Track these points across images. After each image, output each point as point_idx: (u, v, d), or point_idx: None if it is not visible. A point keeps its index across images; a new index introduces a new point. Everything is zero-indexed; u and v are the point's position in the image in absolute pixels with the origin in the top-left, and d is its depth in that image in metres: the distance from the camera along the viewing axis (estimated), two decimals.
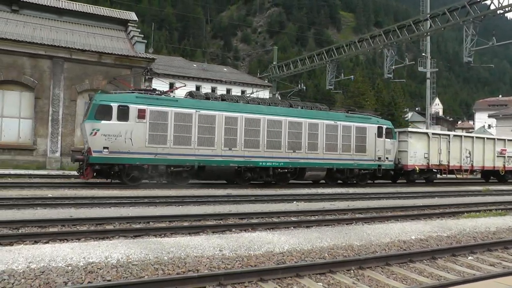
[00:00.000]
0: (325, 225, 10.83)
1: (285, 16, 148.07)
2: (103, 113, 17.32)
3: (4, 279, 5.63)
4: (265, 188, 20.03)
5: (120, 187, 17.28)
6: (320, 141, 21.86)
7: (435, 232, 10.06)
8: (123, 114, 17.52)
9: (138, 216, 10.58)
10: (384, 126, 24.15)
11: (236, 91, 52.27)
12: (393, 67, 30.51)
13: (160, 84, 42.36)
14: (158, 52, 64.75)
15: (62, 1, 33.67)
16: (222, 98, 20.80)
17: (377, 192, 19.80)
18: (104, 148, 17.12)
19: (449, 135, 28.23)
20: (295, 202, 15.38)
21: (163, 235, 8.90)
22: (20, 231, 8.81)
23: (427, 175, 26.73)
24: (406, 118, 74.22)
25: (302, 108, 22.51)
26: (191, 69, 54.85)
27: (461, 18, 25.51)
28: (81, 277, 5.88)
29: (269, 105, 21.57)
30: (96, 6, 37.71)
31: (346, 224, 11.20)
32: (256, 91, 41.05)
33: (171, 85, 47.26)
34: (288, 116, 21.12)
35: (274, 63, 39.71)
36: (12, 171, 21.69)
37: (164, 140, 18.17)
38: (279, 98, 38.94)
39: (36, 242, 7.87)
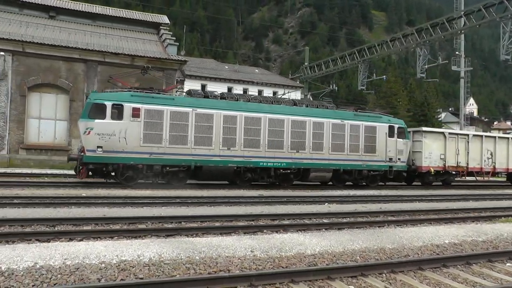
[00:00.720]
0: (356, 228, 10.70)
1: (316, 16, 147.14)
2: (97, 111, 17.11)
3: (43, 274, 5.81)
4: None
5: (153, 187, 17.51)
6: (326, 140, 21.07)
7: (470, 237, 9.74)
8: (117, 113, 17.27)
9: (170, 216, 10.69)
10: (396, 125, 23.12)
11: (267, 92, 52.33)
12: (426, 66, 29.90)
13: (192, 86, 42.90)
14: (190, 55, 65.46)
15: (96, 6, 34.80)
16: (222, 96, 20.34)
17: (410, 195, 19.42)
18: (98, 147, 16.91)
19: (468, 135, 26.74)
20: (326, 203, 15.26)
21: (194, 235, 8.97)
22: (56, 228, 9.08)
23: (443, 177, 25.53)
24: (439, 119, 72.61)
25: (307, 106, 21.75)
26: (222, 71, 55.21)
27: (498, 15, 24.73)
28: (114, 275, 5.98)
29: (272, 103, 20.90)
30: (128, 11, 38.44)
31: (378, 226, 11.04)
32: (288, 92, 40.92)
33: (203, 87, 47.75)
34: (291, 115, 20.42)
35: (306, 63, 39.51)
36: (49, 171, 22.36)
37: (159, 140, 17.83)
38: (311, 99, 38.74)
39: (71, 239, 8.09)
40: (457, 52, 41.86)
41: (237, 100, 20.14)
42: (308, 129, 20.68)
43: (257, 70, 63.34)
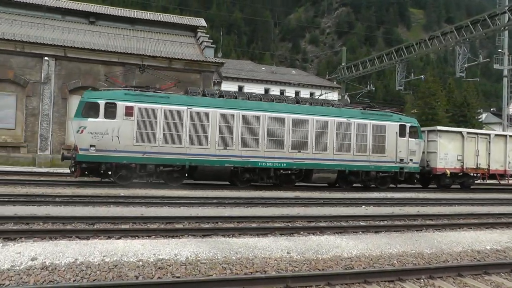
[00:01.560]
0: (394, 231, 10.48)
1: (353, 15, 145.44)
2: (90, 110, 17.00)
3: (83, 270, 6.03)
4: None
5: (187, 188, 17.75)
6: (330, 140, 20.14)
7: None
8: (111, 112, 17.12)
9: (207, 216, 10.80)
10: (408, 124, 21.79)
11: (304, 93, 52.10)
12: (466, 65, 28.96)
13: (229, 88, 43.26)
14: (227, 57, 65.98)
15: (134, 11, 35.82)
16: (220, 95, 19.85)
17: (449, 198, 18.92)
18: (91, 146, 16.78)
19: (489, 134, 25.01)
20: (363, 206, 15.05)
21: (231, 236, 9.01)
22: (95, 226, 9.32)
23: (461, 179, 24.08)
24: (480, 120, 70.30)
25: (311, 104, 20.84)
26: (259, 72, 55.37)
27: None
28: (151, 273, 6.10)
29: (273, 101, 20.12)
30: (166, 14, 39.26)
31: (416, 230, 10.76)
32: (325, 93, 40.64)
33: (240, 88, 48.02)
34: (292, 113, 19.64)
35: (343, 64, 39.15)
36: None
37: (152, 139, 17.55)
38: (348, 100, 38.26)
39: (109, 237, 8.27)
40: (499, 50, 40.46)
41: (236, 98, 19.65)
42: (310, 128, 19.85)
43: (294, 71, 63.15)
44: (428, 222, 12.26)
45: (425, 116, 52.45)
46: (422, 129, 23.62)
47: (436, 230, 11.03)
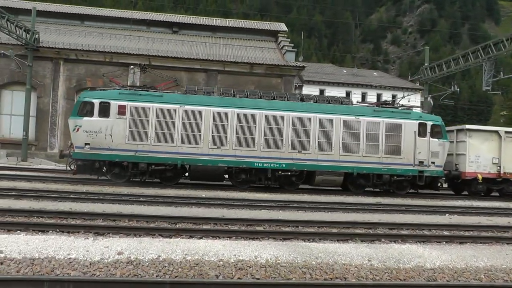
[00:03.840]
0: (481, 243, 9.77)
1: (436, 12, 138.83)
2: (86, 109, 17.42)
3: (165, 266, 6.25)
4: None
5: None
6: (336, 140, 18.65)
7: None
8: (105, 111, 17.43)
9: (287, 220, 10.76)
10: (429, 123, 19.49)
11: (386, 95, 50.60)
12: None
13: (310, 91, 43.07)
14: (308, 60, 65.81)
15: (215, 19, 37.02)
16: (219, 93, 19.28)
17: None
18: (86, 144, 17.18)
19: None
20: (447, 214, 14.25)
21: (311, 240, 8.92)
22: (177, 226, 9.60)
23: (499, 186, 20.74)
24: None
25: (316, 101, 19.49)
26: (341, 75, 54.61)
27: None
28: (232, 273, 6.15)
29: (274, 99, 19.10)
30: (247, 21, 40.02)
31: (507, 243, 9.89)
32: (408, 95, 39.14)
33: (321, 92, 47.67)
34: (291, 111, 18.51)
35: (426, 64, 37.41)
36: None
37: (144, 137, 17.53)
38: (431, 101, 36.48)
39: (191, 237, 8.48)
40: None
41: (234, 96, 18.98)
42: (313, 126, 18.58)
43: (375, 73, 61.60)
44: None
45: None
46: (451, 128, 21.57)
47: None
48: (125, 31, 32.38)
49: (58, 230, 8.47)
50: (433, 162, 19.26)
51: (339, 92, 46.98)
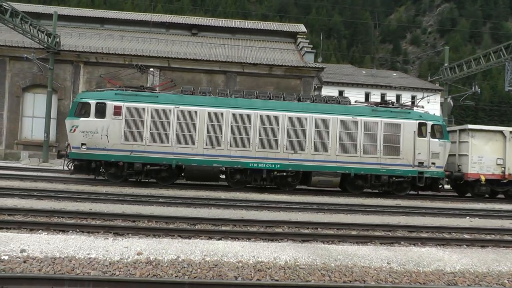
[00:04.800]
0: (503, 247, 9.57)
1: (457, 12, 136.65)
2: (82, 110, 17.67)
3: (184, 267, 6.27)
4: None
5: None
6: (332, 140, 18.43)
7: None
8: (101, 111, 17.65)
9: (306, 222, 10.70)
10: (430, 123, 19.15)
11: (406, 96, 50.06)
12: None
13: (329, 93, 42.89)
14: (327, 61, 65.60)
15: (235, 21, 37.07)
16: (217, 93, 19.21)
17: None
18: (82, 144, 17.43)
19: None
20: (468, 217, 13.99)
21: (330, 242, 8.87)
22: (196, 227, 9.65)
23: (504, 188, 20.14)
24: None
25: (312, 101, 19.25)
26: (360, 76, 54.22)
27: None
28: (250, 274, 6.12)
29: (270, 98, 19.05)
30: (266, 22, 40.02)
31: None
32: (427, 96, 38.62)
33: (340, 93, 47.42)
34: (287, 111, 18.35)
35: (446, 64, 36.88)
36: None
37: (139, 137, 17.68)
38: (451, 102, 35.88)
39: (210, 238, 8.52)
40: None
41: (229, 96, 18.93)
42: (309, 126, 18.41)
43: (394, 74, 60.98)
44: None
45: None
46: (453, 128, 21.08)
47: None
48: (145, 33, 32.80)
49: (78, 230, 8.62)
50: (433, 163, 19.01)
51: (358, 93, 46.64)
